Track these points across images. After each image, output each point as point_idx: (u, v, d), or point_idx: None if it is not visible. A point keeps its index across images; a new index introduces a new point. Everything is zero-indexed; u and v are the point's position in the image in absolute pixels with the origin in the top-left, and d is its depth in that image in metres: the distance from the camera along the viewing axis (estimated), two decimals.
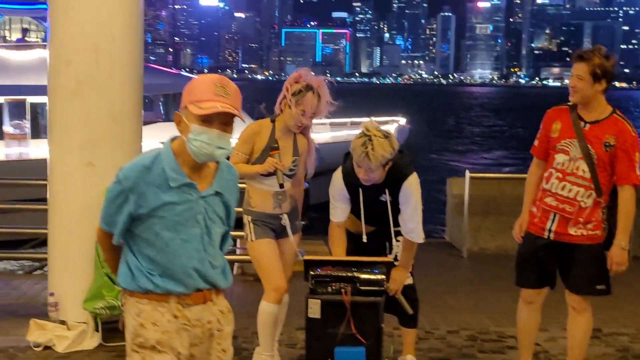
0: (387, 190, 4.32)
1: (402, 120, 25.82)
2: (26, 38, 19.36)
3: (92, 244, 5.18)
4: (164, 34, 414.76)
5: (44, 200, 5.59)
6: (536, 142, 4.44)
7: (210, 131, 2.60)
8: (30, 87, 14.94)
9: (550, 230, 4.27)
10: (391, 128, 22.30)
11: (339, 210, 4.42)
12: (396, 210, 4.37)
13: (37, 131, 15.95)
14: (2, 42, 17.98)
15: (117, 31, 5.26)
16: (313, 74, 4.41)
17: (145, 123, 15.27)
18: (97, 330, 5.22)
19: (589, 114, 4.19)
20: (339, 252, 4.45)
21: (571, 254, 4.26)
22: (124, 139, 5.37)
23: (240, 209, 4.61)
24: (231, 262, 7.89)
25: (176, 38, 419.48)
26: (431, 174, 20.36)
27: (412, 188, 4.30)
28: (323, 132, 18.67)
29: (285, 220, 4.51)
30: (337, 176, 4.39)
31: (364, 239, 4.39)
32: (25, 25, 20.08)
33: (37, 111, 16.18)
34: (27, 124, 16.17)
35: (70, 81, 5.20)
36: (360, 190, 4.33)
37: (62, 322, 5.26)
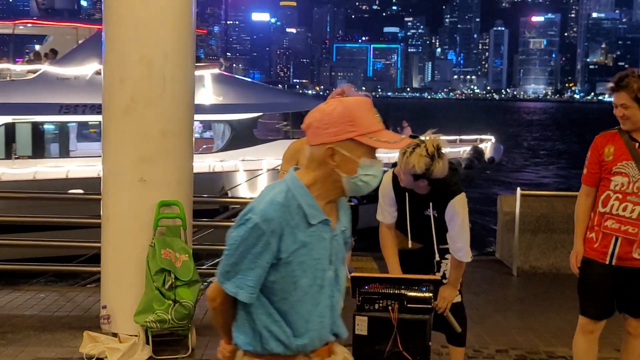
0: (431, 205, 4.31)
1: (492, 139, 26.09)
2: None
3: (143, 257, 5.29)
4: (216, 50, 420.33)
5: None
6: (585, 170, 4.32)
7: (377, 163, 2.35)
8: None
9: (612, 255, 4.14)
10: (486, 146, 22.80)
11: (387, 213, 4.44)
12: (441, 227, 4.36)
13: None
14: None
15: (169, 47, 5.37)
16: (355, 89, 4.47)
17: (267, 140, 15.37)
18: (147, 343, 5.30)
19: None
20: (391, 253, 4.46)
21: (633, 279, 4.15)
22: (175, 155, 5.47)
23: None
24: None
25: (228, 53, 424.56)
26: (485, 189, 20.18)
27: (458, 206, 4.27)
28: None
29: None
30: (387, 176, 4.40)
31: (409, 245, 4.38)
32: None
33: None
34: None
35: (124, 98, 5.32)
36: (407, 198, 4.34)
37: (114, 335, 5.37)
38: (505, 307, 7.10)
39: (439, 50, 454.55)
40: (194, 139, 5.80)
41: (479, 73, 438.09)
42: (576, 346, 4.39)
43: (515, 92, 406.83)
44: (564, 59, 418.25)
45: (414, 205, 4.35)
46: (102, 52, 5.52)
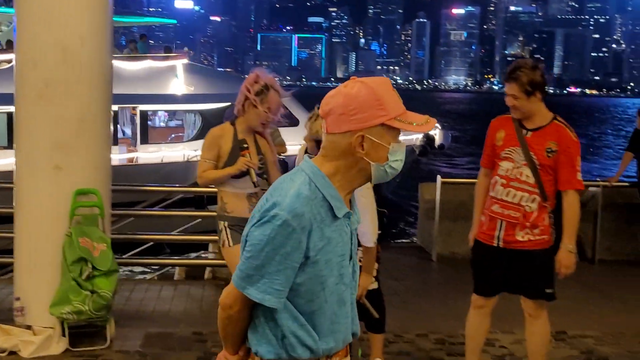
0: None
1: (439, 126, 26.65)
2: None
3: (59, 248, 5.15)
4: (137, 36, 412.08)
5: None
6: (483, 152, 4.52)
7: (403, 146, 2.15)
8: (140, 95, 16.25)
9: (499, 238, 4.31)
10: (435, 133, 23.04)
11: None
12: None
13: (146, 137, 16.91)
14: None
15: (85, 32, 5.23)
16: (267, 72, 4.50)
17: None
18: (63, 335, 5.18)
19: (531, 122, 4.27)
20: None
21: (521, 260, 4.30)
22: (92, 142, 5.33)
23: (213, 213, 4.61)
24: (202, 267, 7.89)
25: (151, 41, 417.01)
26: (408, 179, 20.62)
27: (362, 189, 4.32)
28: None
29: None
30: (302, 150, 4.47)
31: None
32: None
33: (146, 118, 17.21)
34: (137, 130, 16.99)
35: (38, 83, 5.16)
36: None
37: (28, 327, 5.21)
38: (425, 293, 7.22)
39: (362, 40, 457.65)
40: (112, 126, 5.66)
41: (402, 64, 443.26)
42: (469, 320, 4.64)
43: (436, 83, 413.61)
44: (483, 50, 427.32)
45: None
46: (14, 35, 5.33)
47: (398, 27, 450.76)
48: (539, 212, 4.23)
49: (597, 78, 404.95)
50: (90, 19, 5.26)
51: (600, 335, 5.79)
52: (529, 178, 4.21)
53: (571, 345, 5.55)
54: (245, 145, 4.41)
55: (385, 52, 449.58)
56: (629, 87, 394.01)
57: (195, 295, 6.80)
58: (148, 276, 9.86)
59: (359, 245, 4.44)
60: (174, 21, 29.25)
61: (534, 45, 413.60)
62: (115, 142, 16.35)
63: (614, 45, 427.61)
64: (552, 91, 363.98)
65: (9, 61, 16.03)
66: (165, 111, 19.12)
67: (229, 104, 18.29)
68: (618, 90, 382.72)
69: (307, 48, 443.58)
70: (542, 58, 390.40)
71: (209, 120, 17.71)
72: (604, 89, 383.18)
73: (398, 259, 8.49)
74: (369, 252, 4.39)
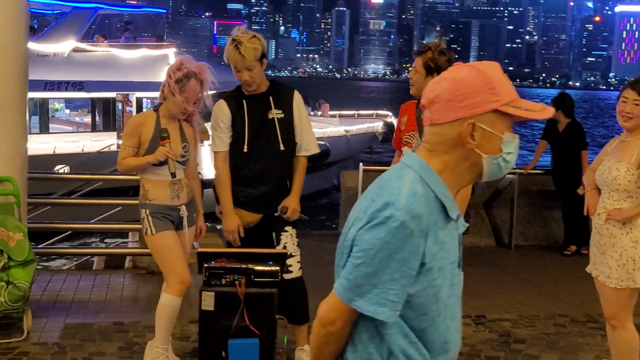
0: (272, 101, 4.40)
1: (390, 114, 27.73)
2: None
3: None
4: (52, 20, 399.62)
5: None
6: (394, 135, 4.64)
7: (517, 137, 1.93)
8: (136, 83, 17.02)
9: None
10: (392, 121, 24.76)
11: (224, 137, 4.44)
12: (287, 131, 4.44)
13: None
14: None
15: (0, 16, 5.05)
16: (192, 60, 4.43)
17: None
18: None
19: None
20: (227, 194, 4.45)
21: None
22: (7, 129, 5.16)
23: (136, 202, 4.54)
24: (122, 256, 7.75)
25: None
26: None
27: (301, 99, 4.53)
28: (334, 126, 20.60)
29: (184, 212, 4.47)
30: (218, 101, 4.48)
31: (245, 149, 4.39)
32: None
33: (141, 105, 18.01)
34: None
35: None
36: (245, 103, 4.40)
37: None
38: None
39: (282, 28, 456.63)
40: (28, 113, 5.49)
41: (322, 52, 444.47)
42: None
43: (355, 72, 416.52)
44: (401, 40, 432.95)
45: (255, 111, 4.44)
46: None
47: (318, 15, 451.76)
48: None
49: (510, 68, 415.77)
50: (4, 3, 5.08)
51: (516, 319, 5.97)
52: None
53: (490, 329, 5.70)
54: (165, 135, 4.34)
55: (305, 40, 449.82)
56: (541, 78, 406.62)
57: (115, 285, 6.67)
58: (66, 266, 9.63)
59: (283, 228, 4.49)
60: (164, 11, 28.84)
61: (451, 36, 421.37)
62: (118, 128, 17.79)
63: (527, 37, 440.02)
64: None
65: (75, 49, 17.42)
66: (149, 98, 19.20)
67: (214, 92, 18.96)
68: (531, 80, 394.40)
69: (226, 35, 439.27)
70: (458, 48, 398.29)
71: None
72: (518, 79, 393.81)
73: (321, 246, 8.53)
74: (303, 169, 4.57)
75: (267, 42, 4.45)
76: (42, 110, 17.95)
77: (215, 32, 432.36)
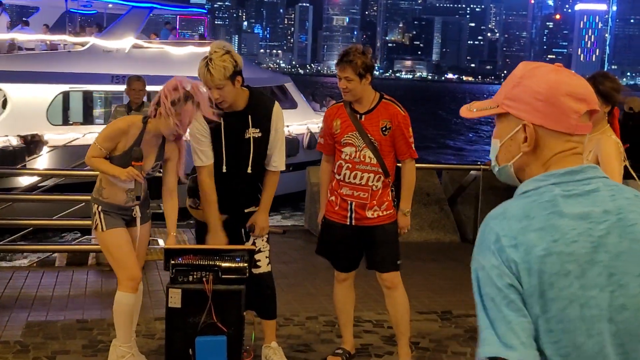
0: (250, 120, 4.35)
1: None
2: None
3: None
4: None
5: None
6: (321, 140, 4.75)
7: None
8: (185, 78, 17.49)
9: (351, 218, 4.59)
10: None
11: (207, 151, 4.34)
12: (259, 151, 4.42)
13: None
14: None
15: None
16: (187, 80, 4.22)
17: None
18: None
19: (361, 106, 4.55)
20: (213, 211, 4.36)
21: (372, 237, 4.61)
22: None
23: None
24: (85, 252, 7.65)
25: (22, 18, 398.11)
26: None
27: (281, 113, 4.51)
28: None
29: (137, 213, 4.41)
30: (197, 116, 4.33)
31: (224, 169, 4.36)
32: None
33: None
34: None
35: None
36: (223, 121, 4.30)
37: None
38: (313, 275, 7.29)
39: (245, 23, 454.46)
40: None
41: (285, 48, 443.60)
42: (335, 295, 4.89)
43: (319, 68, 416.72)
44: (365, 36, 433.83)
45: (231, 128, 4.38)
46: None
47: (281, 10, 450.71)
48: (383, 189, 4.57)
49: (473, 65, 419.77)
50: None
51: None
52: (372, 159, 4.52)
53: (456, 324, 5.74)
54: (139, 157, 4.17)
55: (268, 36, 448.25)
56: (502, 75, 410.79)
57: (78, 282, 6.59)
58: (27, 262, 9.47)
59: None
60: (204, 10, 30.25)
61: (414, 32, 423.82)
62: None
63: (488, 34, 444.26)
64: (430, 77, 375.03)
65: (84, 44, 18.32)
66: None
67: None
68: (493, 77, 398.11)
69: (189, 30, 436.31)
70: (421, 45, 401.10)
71: None
72: (480, 76, 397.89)
73: (286, 243, 8.53)
74: (274, 184, 4.58)
75: (230, 37, 4.31)
76: (106, 103, 19.00)
77: (177, 27, 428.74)
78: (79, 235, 11.39)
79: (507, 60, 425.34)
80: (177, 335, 4.16)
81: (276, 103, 4.52)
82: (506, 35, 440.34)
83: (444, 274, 7.46)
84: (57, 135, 16.06)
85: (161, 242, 4.80)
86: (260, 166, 4.47)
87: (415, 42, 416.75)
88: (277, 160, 4.52)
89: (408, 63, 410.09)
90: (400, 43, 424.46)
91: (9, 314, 5.55)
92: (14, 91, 16.34)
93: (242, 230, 4.51)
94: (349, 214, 4.58)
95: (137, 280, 4.35)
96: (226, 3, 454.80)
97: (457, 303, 6.30)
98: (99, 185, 4.38)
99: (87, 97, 18.20)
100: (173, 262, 4.16)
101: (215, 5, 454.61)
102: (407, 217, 4.67)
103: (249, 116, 4.35)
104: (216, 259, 4.19)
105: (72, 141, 15.76)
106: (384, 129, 4.51)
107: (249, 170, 4.40)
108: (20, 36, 18.68)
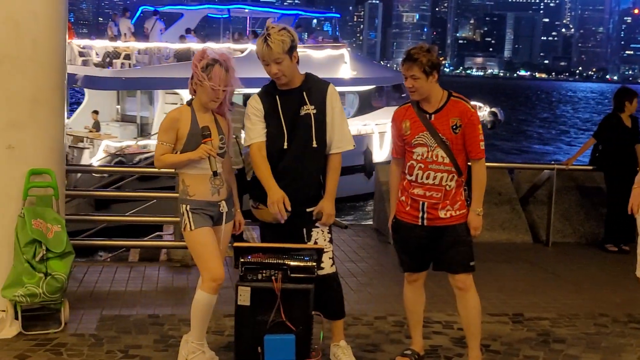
0: (306, 96, 4.37)
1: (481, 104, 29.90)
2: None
3: (11, 229, 5.01)
4: (87, 14, 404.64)
5: None
6: (392, 144, 4.74)
7: None
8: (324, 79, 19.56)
9: (423, 218, 4.53)
10: (494, 109, 27.30)
11: (258, 128, 4.39)
12: (320, 127, 4.40)
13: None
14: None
15: (39, 8, 5.07)
16: (213, 49, 4.41)
17: (376, 108, 20.59)
18: (16, 318, 5.05)
19: (430, 105, 4.49)
20: (267, 174, 4.36)
21: (445, 237, 4.53)
22: (46, 121, 5.19)
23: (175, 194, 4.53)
24: (157, 248, 7.78)
25: (100, 18, 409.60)
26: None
27: (336, 94, 4.50)
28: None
29: (224, 207, 4.45)
30: (252, 97, 4.50)
31: (285, 145, 4.35)
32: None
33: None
34: None
35: None
36: (278, 99, 4.37)
37: None
38: (382, 275, 7.25)
39: (315, 21, 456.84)
40: (66, 105, 5.51)
41: (354, 45, 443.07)
42: (405, 295, 4.84)
43: (388, 65, 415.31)
44: (435, 33, 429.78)
45: (288, 106, 4.40)
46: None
47: (350, 8, 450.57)
48: (456, 188, 4.51)
49: (546, 62, 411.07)
50: None
51: (555, 318, 5.87)
52: (444, 158, 4.45)
53: (528, 328, 5.61)
54: (207, 133, 4.31)
55: (337, 33, 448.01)
56: (577, 72, 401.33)
57: (150, 277, 6.71)
58: (102, 257, 9.70)
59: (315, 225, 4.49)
60: (338, 15, 32.36)
61: (485, 29, 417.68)
62: None
63: (563, 30, 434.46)
64: (502, 74, 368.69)
65: (242, 50, 19.94)
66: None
67: (374, 87, 22.57)
68: (567, 74, 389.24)
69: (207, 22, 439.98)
70: (493, 41, 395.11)
71: (363, 100, 22.46)
72: (553, 73, 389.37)
73: (354, 242, 8.51)
74: (338, 168, 4.52)
75: (300, 35, 4.41)
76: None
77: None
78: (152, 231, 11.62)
79: (583, 56, 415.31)
80: (246, 333, 4.18)
81: (331, 85, 4.51)
82: (581, 31, 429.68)
83: (516, 275, 7.31)
84: None
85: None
86: (324, 144, 4.43)
87: (487, 39, 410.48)
88: (341, 140, 4.46)
89: (479, 60, 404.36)
90: (471, 39, 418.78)
91: (84, 307, 5.69)
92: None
93: (304, 229, 4.48)
94: (420, 214, 4.54)
95: (219, 281, 4.38)
96: (296, 1, 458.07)
97: (529, 305, 6.16)
98: (183, 185, 4.44)
99: (247, 99, 18.67)
100: (242, 260, 4.18)
101: (285, 4, 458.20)
102: (480, 218, 4.59)
103: (304, 93, 4.39)
104: (285, 257, 4.19)
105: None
106: (454, 127, 4.44)
107: (314, 144, 4.37)
108: (195, 45, 20.10)
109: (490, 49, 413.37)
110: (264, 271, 4.16)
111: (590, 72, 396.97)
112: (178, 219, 4.57)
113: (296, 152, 4.38)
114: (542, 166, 10.13)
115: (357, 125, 20.72)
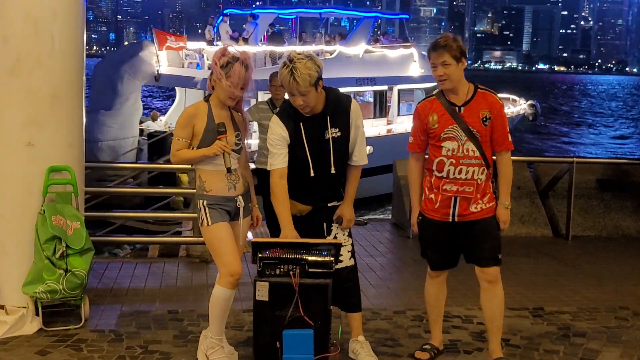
0: (329, 121, 4.36)
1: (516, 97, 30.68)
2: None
3: (31, 226, 5.05)
4: (106, 12, 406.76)
5: None
6: (412, 139, 4.59)
7: None
8: (397, 77, 21.98)
9: (454, 215, 4.46)
10: (532, 102, 28.75)
11: (281, 155, 4.38)
12: (341, 151, 4.42)
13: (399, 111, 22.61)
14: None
15: (58, 6, 5.10)
16: (234, 47, 4.43)
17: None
18: (37, 314, 5.09)
19: (458, 97, 4.41)
20: (284, 209, 4.36)
21: (475, 230, 4.48)
22: (65, 118, 5.22)
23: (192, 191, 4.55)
24: (177, 244, 7.81)
25: (119, 16, 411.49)
26: None
27: (359, 110, 4.49)
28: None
29: (241, 202, 4.46)
30: (274, 119, 4.43)
31: (311, 174, 4.38)
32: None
33: (399, 96, 22.64)
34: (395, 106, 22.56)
35: (9, 58, 5.02)
36: (302, 126, 4.35)
37: (1, 307, 5.11)
38: (401, 269, 7.23)
39: (332, 19, 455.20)
40: (84, 101, 5.53)
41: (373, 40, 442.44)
42: (427, 290, 4.80)
43: None
44: (452, 27, 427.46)
45: (311, 130, 4.39)
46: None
47: (368, 2, 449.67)
48: (485, 181, 4.47)
49: (565, 55, 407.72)
50: None
51: (576, 311, 5.83)
52: (475, 152, 4.39)
53: (548, 322, 5.57)
54: (222, 129, 4.32)
55: (355, 28, 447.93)
56: (596, 64, 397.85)
57: (169, 273, 6.74)
58: (122, 254, 9.76)
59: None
60: (407, 16, 34.64)
61: (503, 22, 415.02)
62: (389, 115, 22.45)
63: (582, 22, 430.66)
64: (520, 68, 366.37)
65: (332, 52, 21.48)
66: (404, 90, 23.59)
67: (435, 83, 23.08)
68: (586, 67, 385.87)
69: (278, 23, 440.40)
70: (511, 35, 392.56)
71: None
72: (572, 66, 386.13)
73: (373, 236, 8.49)
74: (357, 177, 4.60)
75: (317, 30, 4.40)
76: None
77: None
78: (171, 227, 11.67)
79: (602, 49, 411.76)
80: (265, 328, 4.18)
81: (353, 101, 4.50)
82: (600, 23, 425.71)
83: (536, 269, 7.26)
84: None
85: (250, 234, 4.83)
86: (344, 164, 4.49)
87: (505, 32, 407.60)
88: (359, 155, 4.53)
89: (497, 53, 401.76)
90: (489, 33, 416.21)
91: (104, 303, 5.72)
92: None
93: (324, 224, 4.50)
94: (451, 211, 4.45)
95: (236, 276, 4.38)
96: None
97: (550, 299, 6.13)
98: (199, 181, 4.45)
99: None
100: (260, 255, 4.19)
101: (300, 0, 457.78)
102: (508, 211, 4.52)
103: (327, 117, 4.38)
104: (303, 252, 4.19)
105: None
106: (484, 119, 4.38)
107: (333, 171, 4.42)
108: (300, 48, 20.95)
109: (509, 43, 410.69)
110: (282, 266, 4.16)
111: (609, 65, 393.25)
112: (196, 214, 4.59)
113: (322, 178, 4.43)
114: (562, 159, 10.06)
115: None
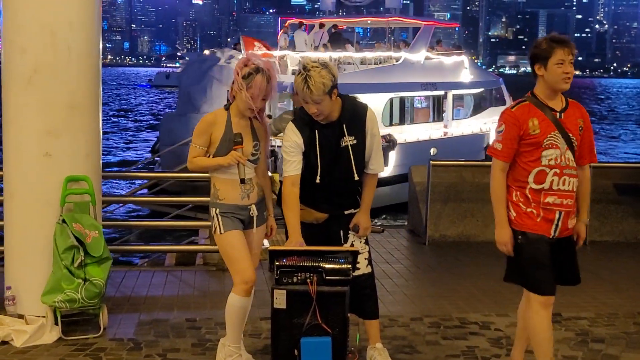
0: (345, 129, 4.35)
1: None
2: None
3: (50, 235, 5.08)
4: (120, 21, 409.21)
5: None
6: (500, 146, 4.09)
7: None
8: (452, 83, 23.13)
9: (556, 230, 4.09)
10: None
11: (295, 162, 4.37)
12: (358, 158, 4.42)
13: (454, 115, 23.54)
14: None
15: (74, 17, 5.15)
16: (259, 57, 4.40)
17: (484, 109, 25.50)
18: (56, 323, 5.12)
19: (555, 102, 4.09)
20: (293, 216, 4.35)
21: (569, 247, 4.21)
22: (82, 128, 5.26)
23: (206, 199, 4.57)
24: (193, 252, 7.84)
25: (133, 25, 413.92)
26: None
27: (374, 118, 4.49)
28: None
29: (254, 211, 4.47)
30: (290, 126, 4.41)
31: (317, 180, 4.38)
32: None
33: (453, 101, 23.59)
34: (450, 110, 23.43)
35: (27, 69, 5.07)
36: (317, 133, 4.35)
37: (20, 316, 5.16)
38: (417, 276, 7.22)
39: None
40: (100, 112, 5.57)
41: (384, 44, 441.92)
42: (542, 324, 4.14)
43: None
44: (466, 32, 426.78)
45: (326, 138, 4.38)
46: (0, 20, 5.23)
47: (381, 9, 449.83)
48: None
49: (580, 59, 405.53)
50: (79, 3, 5.17)
51: (594, 317, 5.80)
52: (573, 162, 4.07)
53: (566, 327, 5.55)
54: (239, 140, 4.32)
55: (368, 35, 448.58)
56: (612, 68, 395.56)
57: (187, 282, 6.76)
58: (139, 262, 9.80)
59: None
60: (457, 27, 36.89)
61: (518, 26, 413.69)
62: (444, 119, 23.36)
63: (596, 26, 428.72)
64: None
65: (397, 59, 22.39)
66: (456, 96, 24.34)
67: (483, 89, 25.36)
68: (601, 70, 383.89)
69: (291, 31, 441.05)
70: (525, 39, 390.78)
71: (477, 101, 25.21)
72: (587, 70, 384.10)
73: (389, 243, 8.48)
74: (374, 185, 4.59)
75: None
76: (411, 106, 22.82)
77: (279, 28, 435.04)
78: (188, 236, 11.71)
79: (617, 52, 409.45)
80: (283, 335, 4.18)
81: (369, 108, 4.49)
82: (615, 27, 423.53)
83: None
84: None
85: (266, 242, 4.84)
86: (360, 172, 4.48)
87: (519, 37, 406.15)
88: (375, 163, 4.52)
89: (512, 58, 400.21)
90: (504, 38, 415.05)
91: (122, 312, 5.75)
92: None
93: (341, 231, 4.51)
94: (554, 225, 4.06)
95: (250, 283, 4.40)
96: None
97: (568, 305, 6.08)
98: (213, 189, 4.47)
99: (402, 102, 22.11)
100: (277, 263, 4.19)
101: (315, 6, 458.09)
102: (585, 227, 4.26)
103: (344, 125, 4.37)
104: (320, 260, 4.19)
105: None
106: (580, 128, 4.08)
107: (356, 178, 4.42)
108: (371, 54, 23.35)
109: (523, 47, 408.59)
110: (300, 274, 4.16)
111: (625, 68, 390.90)
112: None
113: (336, 185, 4.43)
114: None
115: (476, 124, 23.69)
